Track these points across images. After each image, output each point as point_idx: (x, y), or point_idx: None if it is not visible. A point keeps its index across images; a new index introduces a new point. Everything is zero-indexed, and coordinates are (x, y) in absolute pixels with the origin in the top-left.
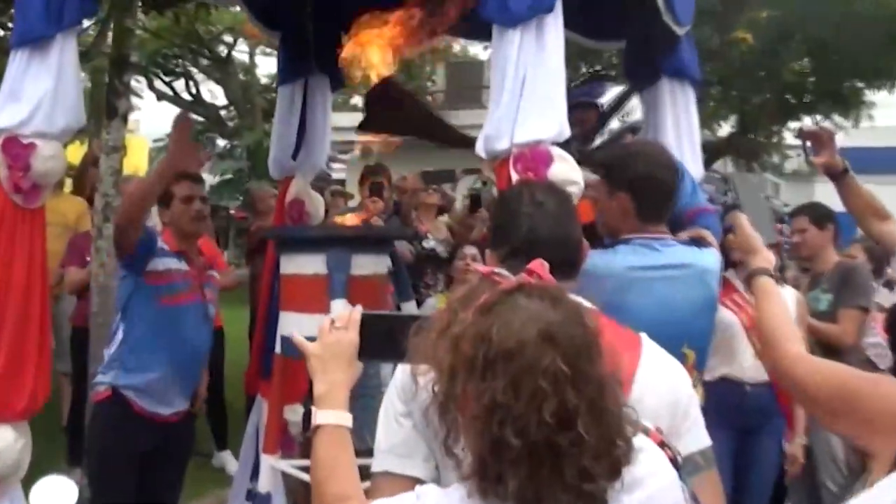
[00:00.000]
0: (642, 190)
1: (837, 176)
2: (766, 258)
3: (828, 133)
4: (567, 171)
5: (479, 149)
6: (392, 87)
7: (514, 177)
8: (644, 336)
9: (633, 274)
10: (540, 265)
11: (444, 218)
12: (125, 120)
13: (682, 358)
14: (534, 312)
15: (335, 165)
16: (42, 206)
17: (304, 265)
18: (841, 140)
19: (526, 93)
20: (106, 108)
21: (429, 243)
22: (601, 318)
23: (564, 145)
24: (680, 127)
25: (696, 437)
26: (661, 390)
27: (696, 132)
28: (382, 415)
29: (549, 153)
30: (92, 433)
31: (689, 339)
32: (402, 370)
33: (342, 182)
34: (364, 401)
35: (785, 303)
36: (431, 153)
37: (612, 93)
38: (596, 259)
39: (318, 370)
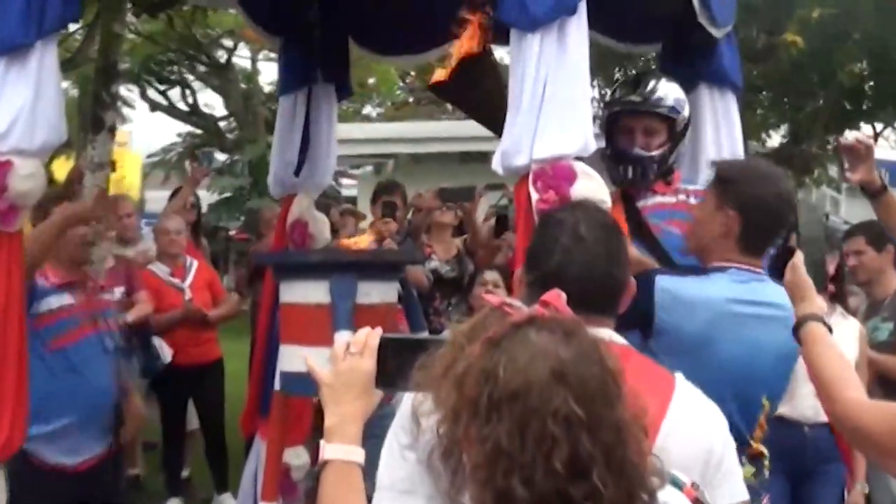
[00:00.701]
0: (754, 215)
1: (875, 193)
2: (817, 304)
3: (865, 145)
4: (593, 189)
5: (496, 164)
6: (487, 58)
7: (535, 196)
8: (679, 377)
9: (727, 307)
10: (556, 296)
11: (458, 240)
12: (113, 133)
13: (759, 408)
14: (543, 348)
15: (345, 182)
16: (20, 230)
17: (306, 293)
18: None
19: (546, 103)
20: (91, 120)
21: (431, 263)
22: (630, 356)
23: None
24: (720, 137)
25: (730, 491)
26: (691, 438)
27: (738, 143)
28: (386, 447)
29: (573, 169)
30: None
31: (770, 387)
32: (410, 398)
33: (353, 200)
34: (376, 441)
35: (837, 347)
36: (449, 167)
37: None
38: (689, 284)
39: (329, 400)
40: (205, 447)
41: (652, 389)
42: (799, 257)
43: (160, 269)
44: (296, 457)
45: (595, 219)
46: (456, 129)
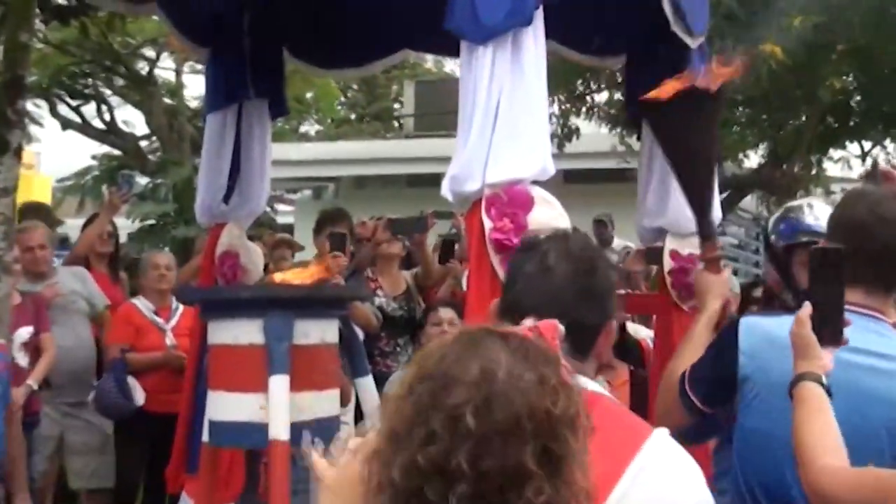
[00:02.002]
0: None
1: None
2: (819, 363)
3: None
4: (552, 217)
5: (445, 190)
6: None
7: (488, 224)
8: (659, 433)
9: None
10: (551, 327)
11: (406, 273)
12: (19, 155)
13: None
14: (490, 351)
15: (281, 208)
16: None
17: (237, 333)
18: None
19: (500, 122)
20: None
21: (377, 300)
22: (596, 403)
23: None
24: None
25: None
26: (651, 502)
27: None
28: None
29: (529, 195)
30: None
31: (878, 451)
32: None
33: (289, 228)
34: (303, 496)
35: (827, 411)
36: (396, 192)
37: None
38: (782, 322)
39: None
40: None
41: (612, 444)
42: (806, 310)
43: (144, 305)
44: None
45: (573, 250)
46: (403, 150)
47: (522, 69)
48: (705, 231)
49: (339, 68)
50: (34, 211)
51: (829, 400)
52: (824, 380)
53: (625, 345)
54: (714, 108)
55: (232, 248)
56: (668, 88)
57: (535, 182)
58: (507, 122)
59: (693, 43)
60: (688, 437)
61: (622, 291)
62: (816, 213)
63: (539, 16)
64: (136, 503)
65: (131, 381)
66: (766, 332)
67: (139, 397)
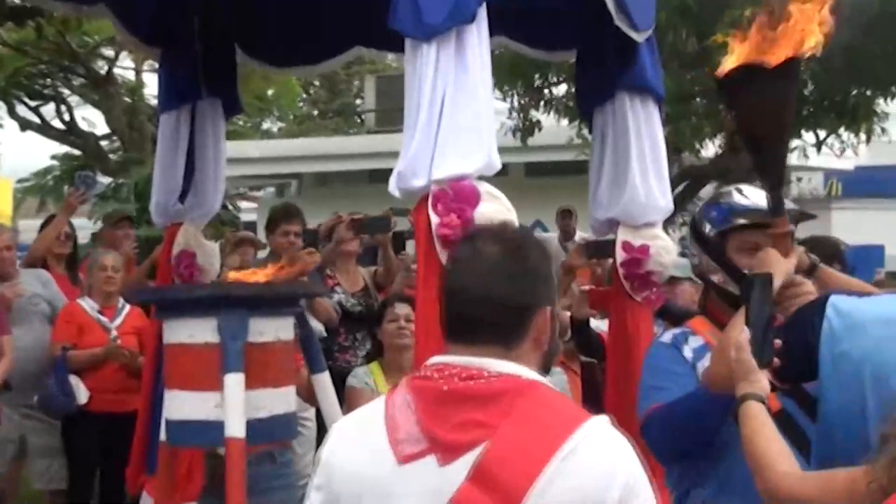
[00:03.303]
0: None
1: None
2: (760, 385)
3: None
4: (499, 212)
5: (392, 187)
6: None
7: (434, 219)
8: (597, 420)
9: None
10: None
11: (363, 270)
12: None
13: None
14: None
15: (245, 205)
16: None
17: (192, 332)
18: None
19: (446, 119)
20: None
21: (335, 296)
22: (531, 390)
23: None
24: (644, 149)
25: None
26: (576, 487)
27: (662, 154)
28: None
29: (476, 190)
30: None
31: None
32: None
33: (253, 226)
34: (275, 495)
35: (771, 425)
36: (358, 188)
37: None
38: (865, 303)
39: None
40: None
41: (543, 430)
42: (743, 336)
43: (88, 305)
44: None
45: (504, 234)
46: (365, 145)
47: (466, 66)
48: (776, 207)
49: (292, 66)
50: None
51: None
52: (765, 399)
53: (588, 340)
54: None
55: (188, 247)
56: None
57: (486, 177)
58: (452, 118)
59: (639, 37)
60: None
61: (587, 287)
62: (746, 193)
63: (482, 13)
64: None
65: (73, 379)
66: (850, 311)
67: (82, 396)
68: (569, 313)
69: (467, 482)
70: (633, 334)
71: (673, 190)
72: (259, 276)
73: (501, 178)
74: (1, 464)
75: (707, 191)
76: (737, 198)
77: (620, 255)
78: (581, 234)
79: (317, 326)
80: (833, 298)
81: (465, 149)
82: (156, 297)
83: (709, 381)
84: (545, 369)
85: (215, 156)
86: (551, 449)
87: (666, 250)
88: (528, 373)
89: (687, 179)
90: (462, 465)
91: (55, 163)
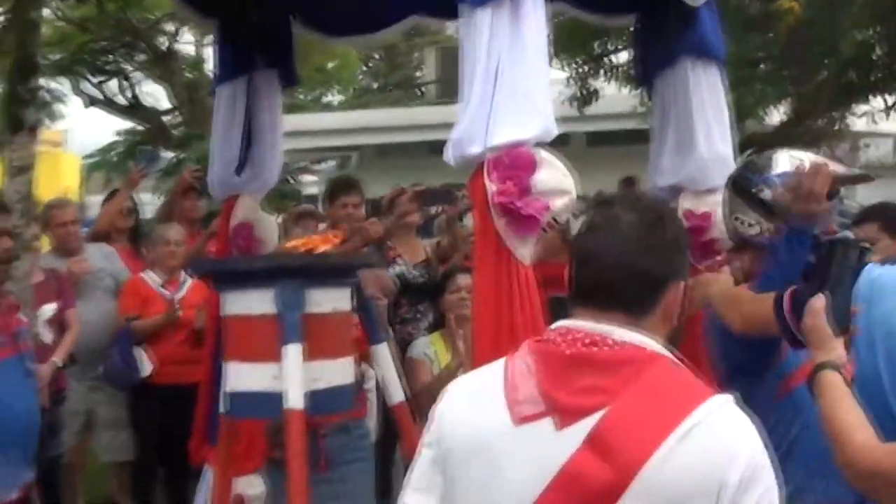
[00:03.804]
0: None
1: None
2: (836, 352)
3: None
4: (557, 180)
5: (448, 155)
6: None
7: (491, 188)
8: (721, 399)
9: None
10: None
11: (425, 242)
12: (34, 132)
13: None
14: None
15: (306, 179)
16: None
17: (250, 304)
18: None
19: (501, 85)
20: (9, 119)
21: (397, 268)
22: (653, 363)
23: None
24: (706, 115)
25: None
26: (691, 469)
27: (726, 121)
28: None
29: (532, 157)
30: None
31: None
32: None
33: (315, 199)
34: (361, 465)
35: (850, 395)
36: (418, 159)
37: None
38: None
39: None
40: (166, 478)
41: (666, 402)
42: (819, 302)
43: (151, 278)
44: (249, 486)
45: (642, 202)
46: (426, 117)
47: (521, 31)
48: None
49: (348, 36)
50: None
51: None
52: (842, 368)
53: None
54: None
55: (246, 220)
56: None
57: (548, 144)
58: (508, 84)
59: (694, 1)
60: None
61: None
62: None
63: None
64: (158, 474)
65: (137, 352)
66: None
67: (146, 368)
68: None
69: (582, 448)
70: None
71: (736, 158)
72: (318, 246)
73: (562, 147)
74: (69, 436)
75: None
76: (796, 165)
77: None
78: None
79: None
80: (872, 263)
81: (522, 115)
82: (213, 269)
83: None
84: (673, 344)
85: (272, 128)
86: (673, 423)
87: None
88: (654, 344)
89: (751, 147)
90: (579, 431)
91: (119, 139)
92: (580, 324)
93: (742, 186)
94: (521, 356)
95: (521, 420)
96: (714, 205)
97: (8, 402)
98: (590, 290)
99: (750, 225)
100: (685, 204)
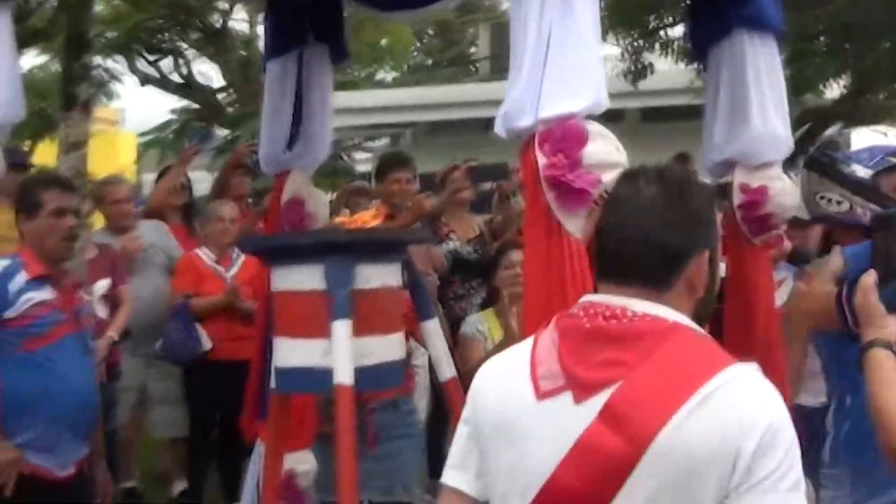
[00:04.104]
0: None
1: None
2: (888, 331)
3: None
4: (608, 152)
5: (498, 128)
6: None
7: (541, 160)
8: (740, 366)
9: None
10: None
11: (478, 218)
12: (88, 109)
13: None
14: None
15: (359, 156)
16: None
17: (299, 280)
18: None
19: (552, 57)
20: (63, 96)
21: (450, 244)
22: (674, 332)
23: None
24: (762, 88)
25: (766, 502)
26: (706, 435)
27: (782, 94)
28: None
29: (583, 129)
30: None
31: None
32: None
33: (368, 177)
34: (408, 440)
35: None
36: (472, 137)
37: None
38: None
39: None
40: (220, 453)
41: (683, 370)
42: (870, 278)
43: (206, 255)
44: (300, 462)
45: (666, 174)
46: (479, 93)
47: (573, 1)
48: None
49: (399, 10)
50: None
51: None
52: (893, 346)
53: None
54: None
55: (297, 195)
56: None
57: (601, 121)
58: (559, 55)
59: None
60: None
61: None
62: (888, 133)
63: None
64: (212, 451)
65: (197, 326)
66: None
67: (206, 343)
68: None
69: (597, 421)
70: (752, 278)
71: (794, 132)
72: (367, 222)
73: (616, 123)
74: (124, 412)
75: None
76: (880, 139)
77: (737, 197)
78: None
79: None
80: None
81: (572, 87)
82: (262, 245)
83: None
84: (704, 316)
85: (323, 102)
86: (687, 392)
87: (785, 191)
88: (674, 315)
89: (809, 121)
90: (595, 404)
91: (174, 117)
92: (602, 297)
93: (824, 165)
94: (549, 331)
95: (543, 395)
96: (769, 179)
97: (68, 379)
98: (610, 264)
99: (838, 202)
100: (739, 178)
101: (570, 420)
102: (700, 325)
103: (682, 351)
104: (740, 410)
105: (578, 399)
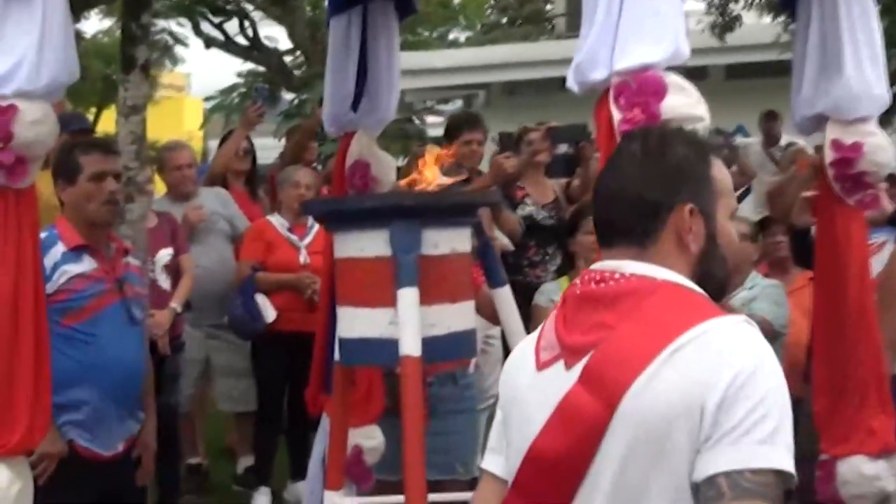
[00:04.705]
0: None
1: None
2: None
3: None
4: (688, 105)
5: (570, 82)
6: None
7: (617, 115)
8: (725, 319)
9: None
10: None
11: (553, 182)
12: (147, 71)
13: None
14: None
15: (431, 119)
16: (32, 186)
17: (362, 245)
18: None
19: (628, 4)
20: (121, 58)
21: (525, 209)
22: (658, 290)
23: None
24: (856, 37)
25: (726, 458)
26: (676, 385)
27: (878, 44)
28: None
29: (661, 81)
30: None
31: None
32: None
33: (440, 141)
34: (466, 416)
35: None
36: (549, 97)
37: None
38: None
39: None
40: (287, 428)
41: (661, 327)
42: None
43: (278, 222)
44: (367, 437)
45: (653, 133)
46: (555, 52)
47: None
48: None
49: None
50: None
51: None
52: None
53: (809, 251)
54: None
55: (362, 157)
56: None
57: (674, 70)
58: (635, 3)
59: None
60: None
61: (810, 193)
62: None
63: None
64: (280, 425)
65: (261, 299)
66: None
67: (269, 315)
68: None
69: (576, 383)
70: (843, 240)
71: (890, 86)
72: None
73: (700, 81)
74: (187, 384)
75: None
76: None
77: (829, 154)
78: (787, 138)
79: (504, 241)
80: None
81: (650, 36)
82: (324, 209)
83: None
84: (717, 275)
85: (389, 60)
86: (658, 348)
87: (881, 148)
88: (662, 273)
89: None
90: (580, 368)
91: (240, 80)
92: (599, 264)
93: None
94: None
95: (542, 365)
96: (864, 135)
97: (111, 353)
98: (599, 227)
99: None
100: (832, 134)
101: (559, 387)
102: (716, 284)
103: (663, 308)
104: (707, 363)
105: (568, 366)
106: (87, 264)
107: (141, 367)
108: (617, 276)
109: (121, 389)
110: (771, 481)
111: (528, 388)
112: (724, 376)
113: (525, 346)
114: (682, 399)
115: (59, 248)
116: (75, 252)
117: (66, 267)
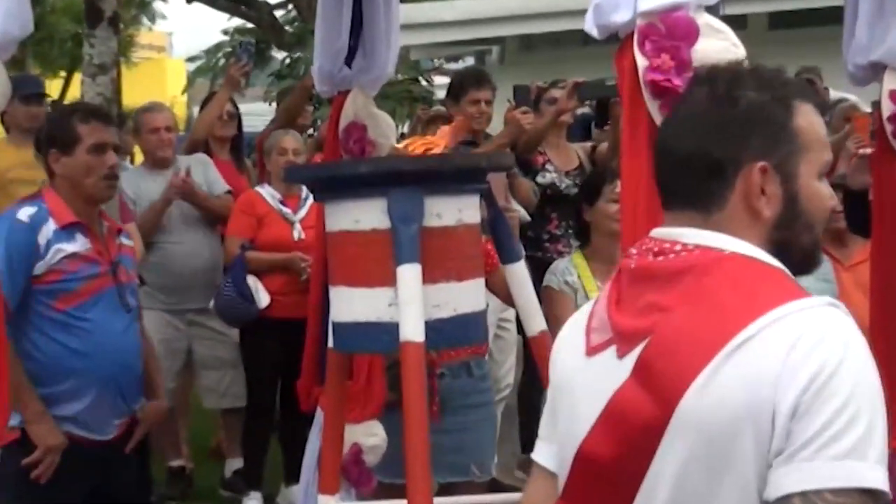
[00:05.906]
0: None
1: None
2: None
3: None
4: (723, 49)
5: (589, 25)
6: None
7: (642, 62)
8: (800, 303)
9: None
10: None
11: (577, 147)
12: (114, 26)
13: None
14: None
15: (439, 80)
16: None
17: (357, 216)
18: None
19: None
20: (86, 11)
21: (545, 177)
22: (724, 263)
23: None
24: None
25: (806, 473)
26: (733, 397)
27: None
28: None
29: (693, 23)
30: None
31: None
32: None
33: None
34: (475, 414)
35: None
36: (569, 52)
37: None
38: None
39: None
40: (280, 426)
41: (726, 312)
42: None
43: (269, 193)
44: (368, 434)
45: (722, 75)
46: (576, 2)
47: None
48: None
49: None
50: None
51: None
52: None
53: (865, 217)
54: None
55: (358, 118)
56: None
57: (701, 6)
58: None
59: None
60: None
61: (867, 150)
62: None
63: None
64: (273, 422)
65: (252, 281)
66: None
67: (263, 300)
68: None
69: (630, 378)
70: None
71: None
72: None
73: (740, 31)
74: (169, 377)
75: None
76: None
77: (888, 107)
78: (834, 94)
79: (522, 212)
80: None
81: None
82: (313, 175)
83: None
84: (798, 245)
85: (386, 12)
86: (723, 339)
87: None
88: (732, 243)
89: None
90: (633, 358)
91: (226, 38)
92: (658, 231)
93: None
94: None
95: (591, 350)
96: None
97: (105, 341)
98: (661, 190)
99: None
100: (890, 84)
101: (612, 379)
102: (799, 256)
103: (728, 287)
104: (779, 359)
105: (621, 353)
106: (80, 243)
107: (137, 355)
108: (678, 247)
109: (117, 381)
110: (856, 502)
111: (577, 376)
112: (799, 377)
113: (576, 324)
114: (749, 401)
115: (51, 226)
116: (67, 230)
117: (59, 245)
